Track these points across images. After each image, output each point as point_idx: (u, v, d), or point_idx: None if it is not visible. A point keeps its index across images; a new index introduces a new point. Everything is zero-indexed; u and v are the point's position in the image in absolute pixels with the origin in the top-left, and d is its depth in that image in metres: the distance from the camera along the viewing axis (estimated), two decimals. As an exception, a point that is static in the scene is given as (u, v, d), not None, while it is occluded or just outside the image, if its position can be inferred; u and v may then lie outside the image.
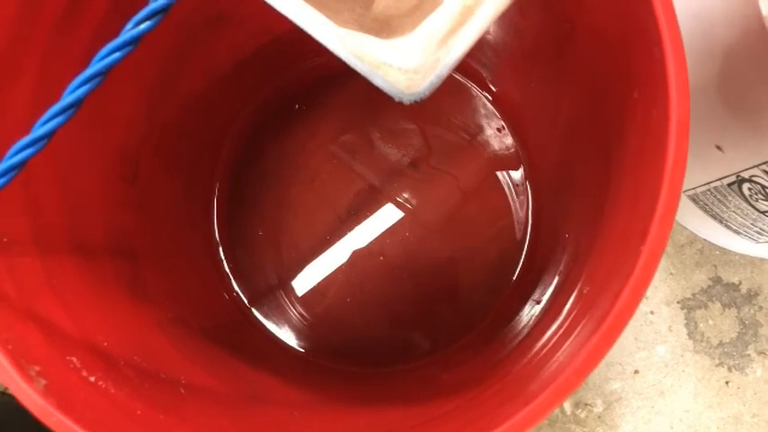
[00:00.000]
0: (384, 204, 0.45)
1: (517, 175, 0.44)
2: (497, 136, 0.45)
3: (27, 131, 0.23)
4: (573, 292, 0.26)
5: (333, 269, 0.44)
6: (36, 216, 0.27)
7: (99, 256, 0.31)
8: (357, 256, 0.44)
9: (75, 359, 0.24)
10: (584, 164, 0.32)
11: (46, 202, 0.28)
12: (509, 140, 0.45)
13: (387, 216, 0.45)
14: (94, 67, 0.21)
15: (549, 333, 0.26)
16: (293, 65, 0.45)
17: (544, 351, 0.25)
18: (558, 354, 0.23)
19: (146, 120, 0.35)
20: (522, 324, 0.33)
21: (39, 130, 0.21)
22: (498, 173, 0.45)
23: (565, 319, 0.25)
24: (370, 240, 0.45)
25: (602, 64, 0.27)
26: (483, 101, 0.45)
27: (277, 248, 0.45)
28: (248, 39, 0.40)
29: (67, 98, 0.21)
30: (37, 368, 0.22)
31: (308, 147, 0.46)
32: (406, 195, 0.45)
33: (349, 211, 0.46)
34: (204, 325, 0.37)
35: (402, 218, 0.45)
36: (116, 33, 0.25)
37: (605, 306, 0.21)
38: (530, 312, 0.33)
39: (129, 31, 0.21)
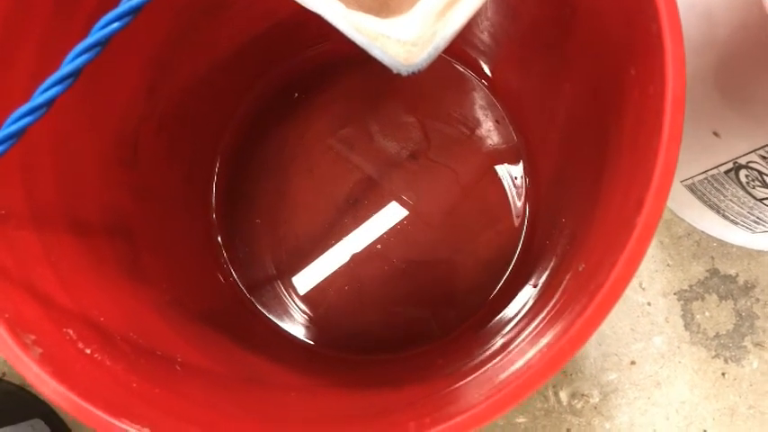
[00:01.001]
0: (382, 196, 0.45)
1: (516, 167, 0.44)
2: (496, 128, 0.45)
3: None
4: (569, 271, 0.26)
5: (330, 259, 0.44)
6: (33, 191, 0.27)
7: (96, 235, 0.31)
8: (354, 245, 0.44)
9: (71, 331, 0.24)
10: (583, 149, 0.32)
11: (43, 179, 0.28)
12: (508, 132, 0.45)
13: (385, 207, 0.45)
14: (94, 36, 0.21)
15: (542, 314, 0.26)
16: (294, 52, 0.45)
17: (538, 331, 0.25)
18: (551, 332, 0.23)
19: (145, 102, 0.35)
20: (519, 308, 0.33)
21: (38, 99, 0.21)
22: (497, 166, 0.45)
23: (559, 299, 0.25)
24: (368, 231, 0.45)
25: (602, 46, 0.28)
26: (482, 92, 0.45)
27: (274, 237, 0.45)
28: (249, 24, 0.40)
29: (66, 67, 0.21)
30: (33, 337, 0.22)
31: (307, 136, 0.46)
32: (404, 187, 0.45)
33: (347, 202, 0.46)
34: (201, 309, 0.37)
35: (400, 209, 0.45)
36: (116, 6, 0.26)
37: (600, 279, 0.21)
38: (527, 296, 0.33)
39: (129, 2, 0.21)
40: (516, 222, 0.44)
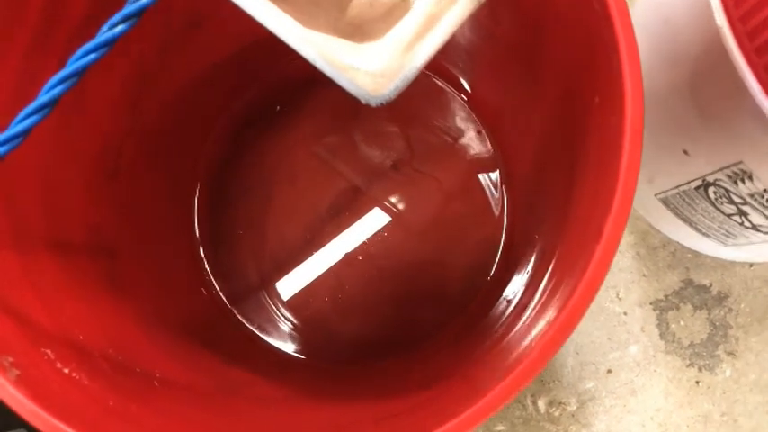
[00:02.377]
0: (365, 205, 0.46)
1: (495, 177, 0.45)
2: (477, 139, 0.46)
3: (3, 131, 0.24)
4: (538, 289, 0.27)
5: (312, 269, 0.45)
6: (14, 209, 0.28)
7: (78, 250, 0.32)
8: (337, 255, 0.45)
9: (49, 351, 0.25)
10: (555, 167, 0.33)
11: (25, 196, 0.29)
12: (487, 144, 0.46)
13: (368, 217, 0.46)
14: (70, 67, 0.22)
15: (515, 329, 0.27)
16: (275, 66, 0.46)
17: (509, 345, 0.26)
18: (520, 347, 0.24)
19: (128, 117, 0.36)
20: (496, 321, 0.33)
21: (14, 129, 0.22)
22: (478, 176, 0.46)
23: (529, 316, 0.26)
24: (351, 240, 0.45)
25: (571, 70, 0.28)
26: (462, 105, 0.46)
27: (257, 247, 0.46)
28: (230, 40, 0.41)
29: (43, 97, 0.22)
30: (10, 359, 0.23)
31: (289, 147, 0.47)
32: (387, 197, 0.46)
33: (330, 212, 0.46)
34: (183, 322, 0.38)
35: (383, 219, 0.46)
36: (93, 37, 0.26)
37: (562, 302, 0.21)
38: (502, 310, 0.34)
39: (105, 34, 0.22)
40: (496, 233, 0.45)
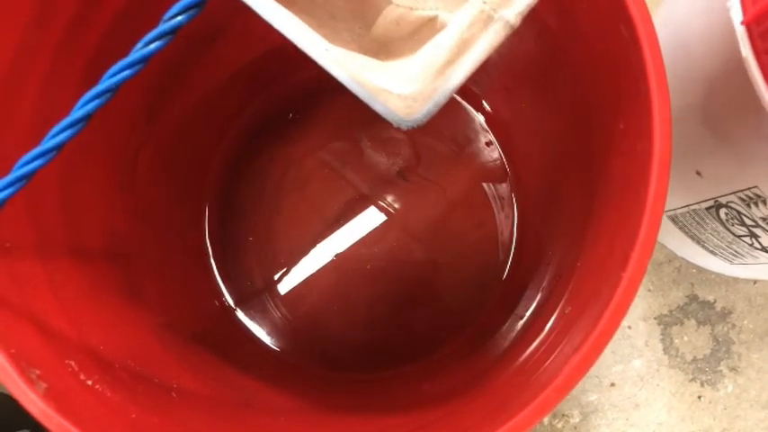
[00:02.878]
0: (372, 213, 0.46)
1: (504, 189, 0.45)
2: (486, 150, 0.46)
3: (29, 144, 0.24)
4: (555, 310, 0.27)
5: (320, 276, 0.45)
6: (38, 221, 0.28)
7: (97, 260, 0.32)
8: (344, 263, 0.45)
9: (73, 363, 0.25)
10: (570, 185, 0.33)
11: (48, 208, 0.29)
12: (497, 155, 0.46)
13: (374, 224, 0.46)
14: (105, 83, 0.22)
15: (530, 349, 0.27)
16: (288, 74, 0.46)
17: (526, 367, 0.26)
18: (540, 371, 0.24)
19: (144, 127, 0.36)
20: (505, 338, 0.34)
21: (48, 143, 0.22)
22: (486, 186, 0.46)
23: (546, 337, 0.26)
24: (358, 248, 0.45)
25: (592, 92, 0.29)
26: (473, 115, 0.46)
27: (266, 254, 0.46)
28: (246, 49, 0.41)
29: (77, 112, 0.22)
30: (37, 371, 0.23)
31: (299, 155, 0.47)
32: (394, 204, 0.46)
33: (338, 219, 0.47)
34: (194, 330, 0.38)
35: (389, 227, 0.46)
36: (118, 49, 0.26)
37: (586, 328, 0.22)
38: (513, 327, 0.34)
39: (140, 51, 0.22)
40: (503, 243, 0.45)
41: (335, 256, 0.46)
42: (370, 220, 0.46)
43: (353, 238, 0.46)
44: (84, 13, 0.28)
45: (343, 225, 0.46)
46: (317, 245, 0.46)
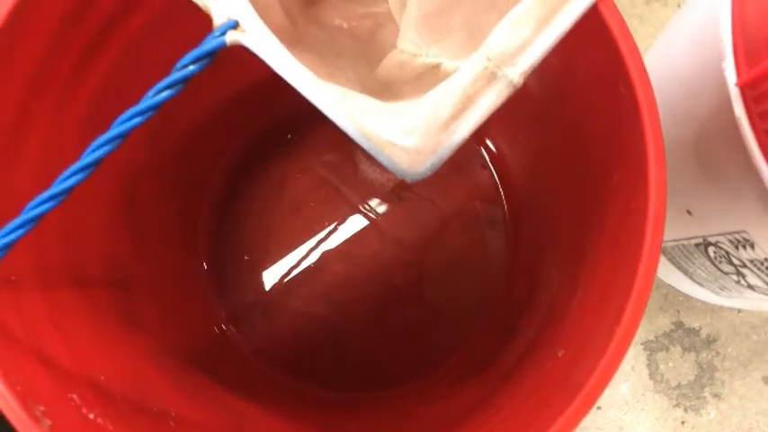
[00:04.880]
0: (367, 231, 0.47)
1: (497, 212, 0.46)
2: (482, 172, 0.47)
3: (32, 187, 0.25)
4: (548, 352, 0.28)
5: (314, 295, 0.46)
6: (40, 251, 0.28)
7: (95, 286, 0.32)
8: (338, 282, 0.46)
9: (75, 396, 0.25)
10: (564, 223, 0.34)
11: (50, 237, 0.29)
12: (492, 179, 0.47)
13: (368, 243, 0.47)
14: (115, 130, 0.22)
15: (525, 390, 0.28)
16: (288, 97, 0.46)
17: (520, 408, 0.27)
18: (531, 414, 0.25)
19: (145, 152, 0.36)
20: (498, 371, 0.34)
21: (58, 187, 0.22)
22: (479, 207, 0.47)
23: (541, 380, 0.27)
24: (352, 266, 0.46)
25: (588, 140, 0.29)
26: (470, 142, 0.47)
27: (261, 273, 0.46)
28: (247, 73, 0.41)
29: (88, 158, 0.22)
30: (42, 408, 0.23)
31: (296, 174, 0.47)
32: (388, 222, 0.47)
33: (334, 239, 0.47)
34: (189, 352, 0.38)
35: (383, 245, 0.47)
36: (117, 94, 0.27)
37: (580, 379, 0.22)
38: (506, 359, 0.35)
39: (151, 99, 0.23)
40: (494, 271, 0.46)
41: (331, 274, 0.46)
42: (364, 238, 0.47)
43: (348, 256, 0.46)
44: (84, 59, 0.29)
45: (338, 245, 0.47)
46: (313, 265, 0.46)
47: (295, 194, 0.47)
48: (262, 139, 0.47)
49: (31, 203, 0.22)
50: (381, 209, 0.47)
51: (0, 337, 0.24)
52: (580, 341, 0.26)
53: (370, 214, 0.47)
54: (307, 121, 0.48)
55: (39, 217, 0.22)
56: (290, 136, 0.48)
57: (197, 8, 0.24)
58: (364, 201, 0.47)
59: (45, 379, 0.25)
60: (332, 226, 0.47)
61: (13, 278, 0.26)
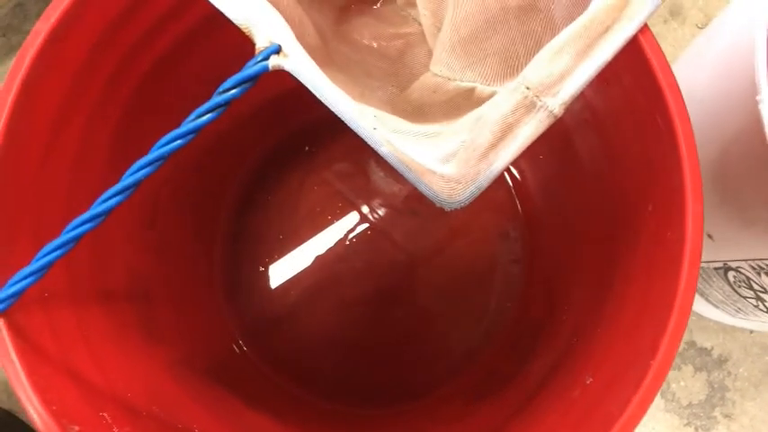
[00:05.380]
0: (381, 243, 0.47)
1: (512, 228, 0.46)
2: (499, 187, 0.47)
3: (68, 206, 0.25)
4: (575, 378, 0.28)
5: (327, 308, 0.46)
6: (71, 268, 0.28)
7: (120, 300, 0.32)
8: (352, 294, 0.46)
9: (106, 415, 0.25)
10: (589, 248, 0.34)
11: (79, 254, 0.29)
12: (512, 199, 0.47)
13: (383, 256, 0.47)
14: (156, 152, 0.23)
15: (550, 419, 0.28)
16: (306, 110, 0.46)
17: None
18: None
19: (167, 167, 0.36)
20: (518, 393, 0.34)
21: (97, 208, 0.22)
22: (494, 224, 0.47)
23: (568, 407, 0.27)
24: (365, 280, 0.46)
25: (619, 166, 0.29)
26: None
27: (276, 285, 0.46)
28: (268, 87, 0.41)
29: (127, 180, 0.22)
30: (77, 428, 0.23)
31: (312, 186, 0.47)
32: (403, 236, 0.47)
33: (347, 250, 0.47)
34: (207, 365, 0.38)
35: (398, 259, 0.47)
36: (152, 105, 0.27)
37: (613, 411, 0.23)
38: (526, 379, 0.35)
39: (193, 122, 0.23)
40: (508, 290, 0.46)
41: (344, 285, 0.46)
42: (380, 253, 0.47)
43: (361, 271, 0.47)
44: (119, 71, 0.29)
45: (352, 258, 0.47)
46: (326, 277, 0.47)
47: (311, 206, 0.47)
48: (278, 151, 0.47)
49: (71, 224, 0.22)
50: (395, 221, 0.47)
51: (36, 356, 0.24)
52: (610, 369, 0.26)
53: (385, 227, 0.47)
54: (324, 134, 0.48)
55: (78, 237, 0.23)
56: (307, 148, 0.48)
57: (234, 26, 0.24)
58: (379, 213, 0.47)
59: (77, 397, 0.25)
60: (346, 239, 0.47)
61: (46, 295, 0.26)
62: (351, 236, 0.47)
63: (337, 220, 0.47)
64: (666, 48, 0.53)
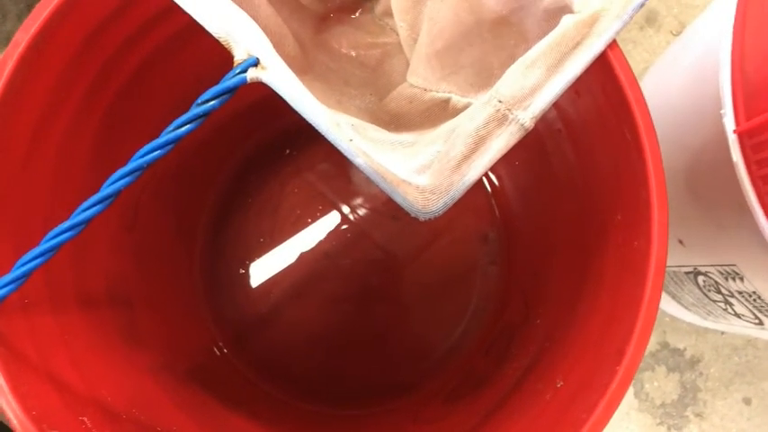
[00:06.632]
0: (362, 245, 0.47)
1: (491, 231, 0.47)
2: (478, 191, 0.48)
3: (47, 214, 0.25)
4: (547, 381, 0.29)
5: (308, 309, 0.46)
6: (51, 274, 0.28)
7: (101, 304, 0.33)
8: (332, 295, 0.46)
9: (86, 419, 0.26)
10: (562, 255, 0.35)
11: (59, 260, 0.29)
12: (488, 199, 0.47)
13: (363, 256, 0.47)
14: (134, 163, 0.23)
15: (523, 420, 0.28)
16: (287, 114, 0.47)
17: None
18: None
19: (147, 171, 0.37)
20: (494, 393, 0.35)
21: (77, 217, 0.23)
22: (476, 225, 0.47)
23: (540, 411, 0.28)
24: (345, 281, 0.47)
25: (590, 176, 0.30)
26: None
27: (256, 287, 0.47)
28: (245, 92, 0.42)
29: (106, 190, 0.23)
30: (56, 433, 0.24)
31: (293, 189, 0.48)
32: (384, 237, 0.48)
33: (328, 252, 0.48)
34: (188, 368, 0.39)
35: (379, 259, 0.47)
36: (131, 114, 0.27)
37: (581, 415, 0.23)
38: (504, 380, 0.36)
39: (171, 133, 0.23)
40: (484, 291, 0.46)
41: (325, 287, 0.47)
42: (361, 254, 0.47)
43: (341, 271, 0.47)
44: (99, 79, 0.29)
45: (333, 259, 0.47)
46: (306, 279, 0.47)
47: (291, 208, 0.48)
48: (259, 154, 0.48)
49: (51, 233, 0.23)
50: (376, 222, 0.48)
51: (16, 362, 0.24)
52: (580, 374, 0.26)
53: (366, 228, 0.48)
54: (305, 137, 0.48)
55: (58, 246, 0.23)
56: (288, 151, 0.48)
57: (212, 37, 0.24)
58: (360, 215, 0.48)
59: (58, 403, 0.25)
60: (327, 240, 0.48)
61: (26, 301, 0.26)
62: (332, 237, 0.47)
63: (318, 221, 0.48)
64: (642, 54, 0.54)
